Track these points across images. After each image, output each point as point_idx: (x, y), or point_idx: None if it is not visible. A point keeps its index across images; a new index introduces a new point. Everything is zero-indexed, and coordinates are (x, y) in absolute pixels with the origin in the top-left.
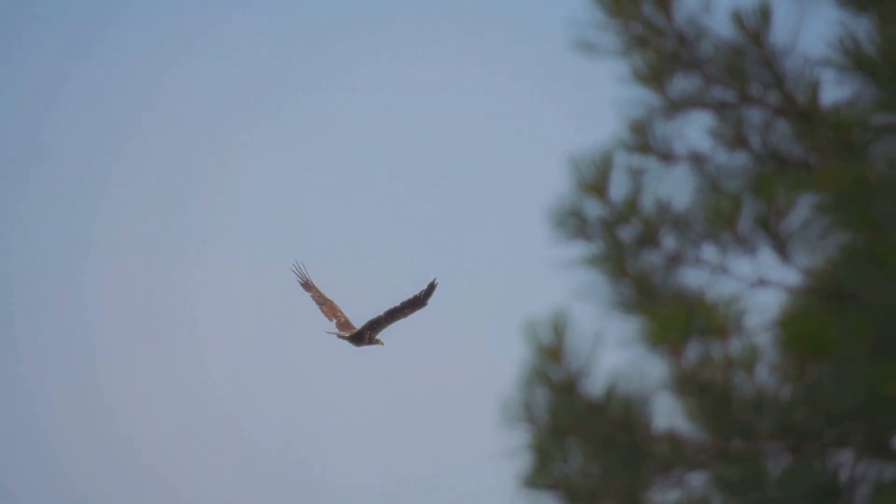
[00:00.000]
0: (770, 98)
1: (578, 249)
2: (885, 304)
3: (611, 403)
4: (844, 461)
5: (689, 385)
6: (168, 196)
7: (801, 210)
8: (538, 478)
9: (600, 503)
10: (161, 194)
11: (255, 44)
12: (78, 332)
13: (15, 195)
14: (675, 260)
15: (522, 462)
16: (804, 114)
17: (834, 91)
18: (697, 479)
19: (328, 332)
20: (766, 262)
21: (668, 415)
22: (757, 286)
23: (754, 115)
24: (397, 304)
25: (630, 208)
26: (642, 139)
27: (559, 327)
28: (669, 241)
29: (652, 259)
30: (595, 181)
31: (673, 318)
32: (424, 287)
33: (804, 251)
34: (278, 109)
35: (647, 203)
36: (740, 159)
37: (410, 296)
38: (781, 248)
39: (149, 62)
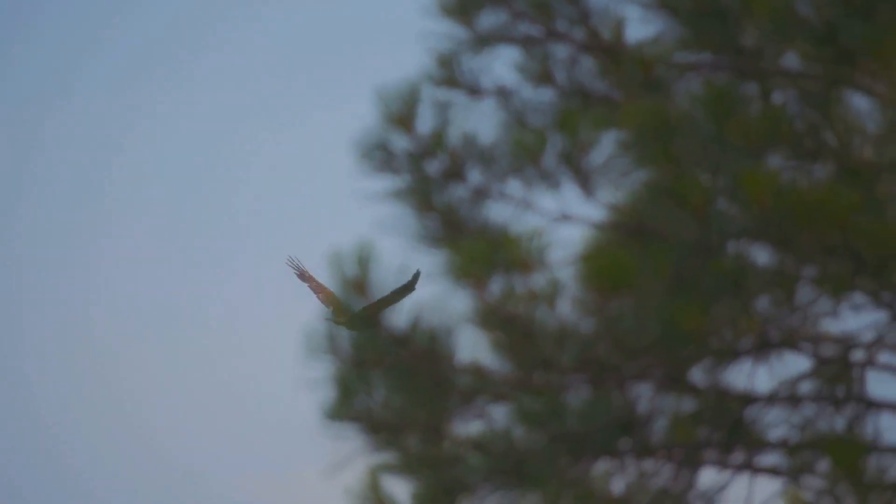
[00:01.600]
0: (576, 34)
1: (384, 182)
2: (685, 240)
3: (414, 336)
4: (643, 394)
5: (492, 318)
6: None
7: (605, 146)
8: (341, 410)
9: (403, 435)
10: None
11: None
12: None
13: None
14: (480, 194)
15: (325, 394)
16: (609, 50)
17: (638, 28)
18: (500, 411)
19: (326, 319)
20: (570, 197)
21: (472, 347)
22: (560, 221)
23: (560, 51)
24: (388, 293)
25: (436, 142)
26: (449, 73)
27: (364, 260)
28: (475, 176)
29: (457, 193)
30: (402, 114)
31: (477, 251)
32: (411, 277)
33: (607, 187)
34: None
35: (454, 137)
36: (546, 95)
37: (399, 286)
38: (585, 183)
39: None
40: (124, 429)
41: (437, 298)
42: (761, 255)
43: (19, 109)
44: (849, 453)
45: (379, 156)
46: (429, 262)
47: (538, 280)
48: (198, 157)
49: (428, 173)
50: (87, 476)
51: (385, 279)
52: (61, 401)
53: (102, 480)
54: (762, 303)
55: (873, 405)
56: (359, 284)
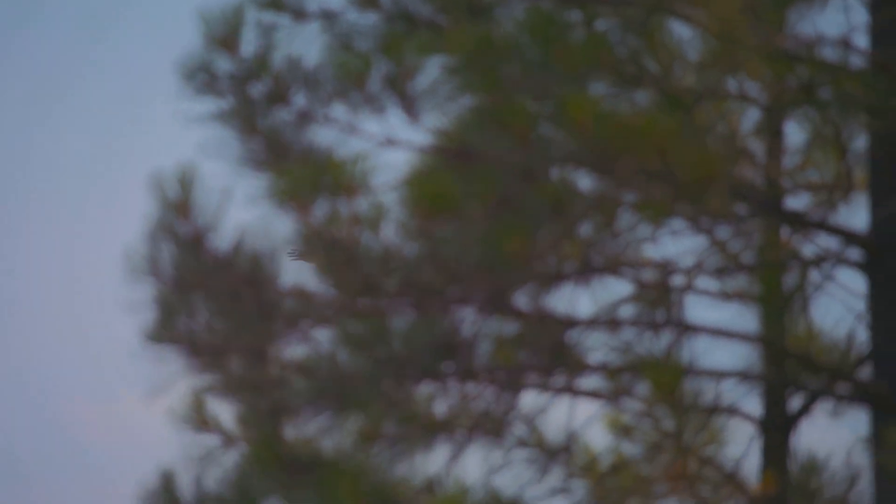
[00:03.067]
0: None
1: (208, 105)
2: (508, 165)
3: (238, 259)
4: (466, 317)
5: (316, 242)
6: None
7: (430, 71)
8: (162, 332)
9: (226, 357)
10: None
11: None
12: None
13: None
14: (304, 118)
15: (147, 317)
16: None
17: None
18: (324, 335)
19: None
20: (395, 121)
21: (296, 271)
22: (385, 145)
23: None
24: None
25: (260, 65)
26: None
27: (186, 182)
28: (299, 99)
29: (282, 116)
30: (225, 37)
31: (301, 175)
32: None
33: (432, 112)
34: None
35: (278, 60)
36: (371, 18)
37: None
38: (410, 108)
39: None
40: None
41: (260, 221)
42: (583, 181)
43: None
44: (667, 376)
45: (202, 78)
46: (253, 186)
47: (362, 204)
48: (15, 79)
49: (252, 96)
50: None
51: (208, 202)
52: None
53: None
54: (584, 228)
55: (691, 329)
56: (181, 207)
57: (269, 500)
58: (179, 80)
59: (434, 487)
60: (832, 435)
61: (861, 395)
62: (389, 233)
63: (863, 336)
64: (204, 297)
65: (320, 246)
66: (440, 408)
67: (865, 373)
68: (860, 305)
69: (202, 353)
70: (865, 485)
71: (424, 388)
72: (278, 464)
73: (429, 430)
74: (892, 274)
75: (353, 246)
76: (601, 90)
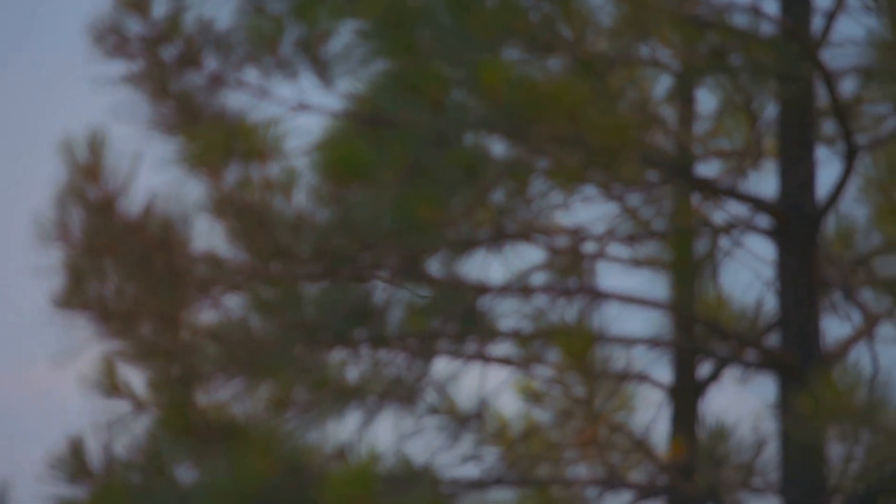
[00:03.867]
0: None
1: (118, 67)
2: (421, 131)
3: (149, 224)
4: (379, 284)
5: (228, 207)
6: None
7: (343, 35)
8: (72, 298)
9: (136, 323)
10: None
11: None
12: None
13: None
14: (216, 81)
15: (56, 282)
16: None
17: None
18: (235, 300)
19: None
20: (308, 86)
21: (208, 236)
22: (298, 110)
23: None
24: None
25: (172, 27)
26: None
27: (97, 146)
28: (211, 63)
29: (193, 80)
30: None
31: (213, 139)
32: None
33: (345, 76)
34: None
35: (190, 22)
36: None
37: None
38: (323, 72)
39: None
40: None
41: (171, 186)
42: (496, 147)
43: None
44: (578, 343)
45: (112, 40)
46: (164, 150)
47: (274, 169)
48: None
49: (163, 59)
50: None
51: (118, 166)
52: None
53: None
54: (497, 194)
55: (602, 296)
56: (91, 171)
57: (180, 466)
58: (89, 42)
59: (345, 454)
60: (740, 401)
61: (769, 362)
62: (301, 198)
63: (771, 303)
64: (114, 263)
65: (232, 211)
66: (352, 374)
67: (773, 340)
68: (769, 273)
69: (112, 318)
70: (772, 451)
71: (336, 355)
72: (189, 430)
73: (340, 396)
74: (799, 241)
75: (264, 211)
76: (514, 56)
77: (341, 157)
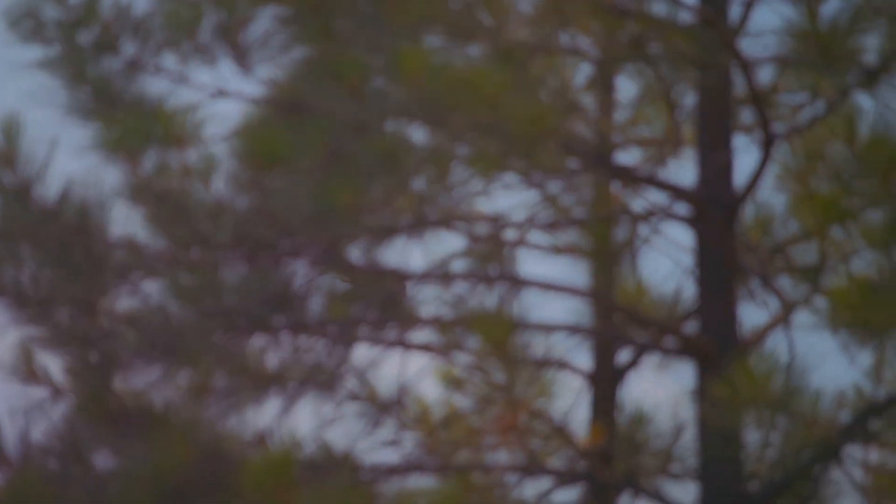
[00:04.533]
0: None
1: (35, 52)
2: (340, 118)
3: (66, 210)
4: (299, 271)
5: (146, 193)
6: None
7: (263, 21)
8: None
9: (54, 309)
10: None
11: None
12: None
13: None
14: (134, 67)
15: None
16: None
17: None
18: (155, 287)
19: None
20: (227, 72)
21: (126, 222)
22: (217, 96)
23: None
24: None
25: (89, 12)
26: None
27: (12, 132)
28: (129, 48)
29: (111, 65)
30: None
31: (131, 125)
32: None
33: (264, 63)
34: None
35: (107, 7)
36: None
37: None
38: (242, 58)
39: None
40: None
41: (88, 172)
42: (417, 134)
43: None
44: (498, 330)
45: (29, 25)
46: (81, 136)
47: (193, 155)
48: None
49: (80, 44)
50: None
51: (35, 152)
52: None
53: None
54: (417, 182)
55: (522, 283)
56: (7, 157)
57: (98, 453)
58: (5, 27)
59: (265, 440)
60: (659, 388)
61: (687, 349)
62: (221, 185)
63: (689, 291)
64: (31, 249)
65: (150, 197)
66: (271, 361)
67: (691, 327)
68: (687, 260)
69: (29, 304)
70: (690, 437)
71: (256, 341)
72: (107, 417)
73: (260, 383)
74: (717, 229)
75: (183, 198)
76: (435, 43)
77: (261, 143)
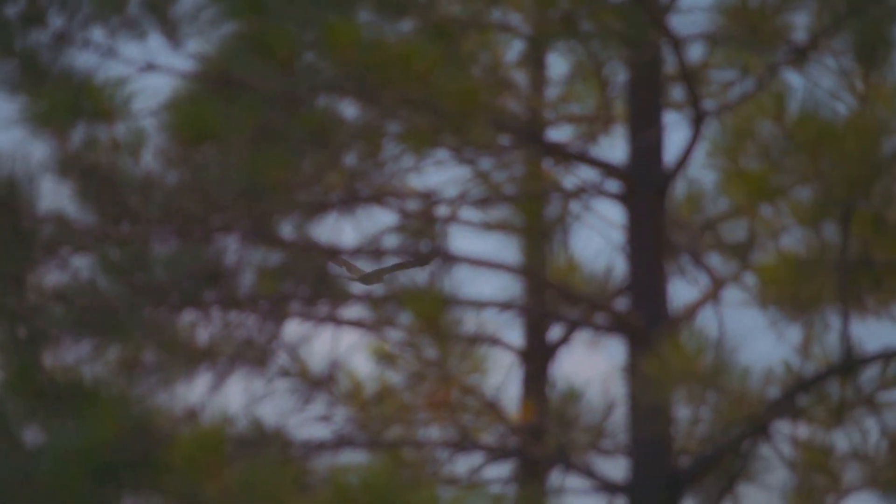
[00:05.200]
0: None
1: None
2: (271, 92)
3: None
4: (229, 246)
5: (74, 167)
6: None
7: None
8: None
9: None
10: None
11: None
12: None
13: None
14: (62, 40)
15: None
16: None
17: None
18: (84, 262)
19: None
20: (156, 46)
21: (54, 196)
22: (145, 70)
23: None
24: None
25: None
26: None
27: None
28: (56, 21)
29: (38, 38)
30: None
31: (59, 99)
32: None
33: (194, 36)
34: None
35: None
36: None
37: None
38: (172, 32)
39: None
40: None
41: (16, 145)
42: (348, 109)
43: None
44: (429, 306)
45: None
46: (8, 109)
47: (122, 130)
48: None
49: (7, 16)
50: None
51: None
52: None
53: None
54: (349, 157)
55: (454, 259)
56: None
57: (27, 428)
58: None
59: (195, 416)
60: (590, 364)
61: (618, 325)
62: (150, 159)
63: (620, 267)
64: None
65: (78, 171)
66: (202, 336)
67: (622, 303)
68: (618, 237)
69: None
70: (621, 413)
71: (186, 317)
72: (36, 392)
73: (190, 358)
74: (648, 206)
75: (112, 172)
76: (366, 18)
77: (190, 118)
